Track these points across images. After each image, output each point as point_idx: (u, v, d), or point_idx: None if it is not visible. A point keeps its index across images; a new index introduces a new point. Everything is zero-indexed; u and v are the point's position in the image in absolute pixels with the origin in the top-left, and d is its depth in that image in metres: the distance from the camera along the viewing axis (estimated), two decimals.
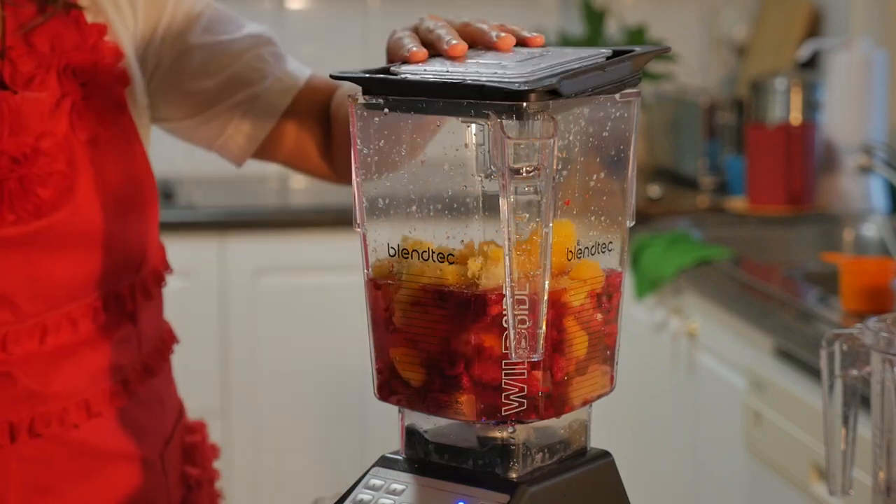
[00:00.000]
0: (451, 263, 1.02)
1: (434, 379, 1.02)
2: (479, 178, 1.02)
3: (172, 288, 1.46)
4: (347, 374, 3.29)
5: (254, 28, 1.43)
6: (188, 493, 1.45)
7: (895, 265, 2.26)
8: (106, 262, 1.31)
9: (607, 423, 2.27)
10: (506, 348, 0.99)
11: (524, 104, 0.95)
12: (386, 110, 1.03)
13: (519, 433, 1.03)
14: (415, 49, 1.08)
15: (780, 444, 2.28)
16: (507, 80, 0.97)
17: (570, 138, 1.02)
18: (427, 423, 1.07)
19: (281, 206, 3.50)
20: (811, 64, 3.54)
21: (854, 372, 1.21)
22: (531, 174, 0.95)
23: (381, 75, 1.05)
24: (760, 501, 2.41)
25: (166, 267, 1.42)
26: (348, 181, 1.46)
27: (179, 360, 1.48)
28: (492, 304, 0.99)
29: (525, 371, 1.00)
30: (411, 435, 1.08)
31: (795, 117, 3.27)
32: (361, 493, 1.06)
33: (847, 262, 2.30)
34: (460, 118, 1.01)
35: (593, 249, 1.05)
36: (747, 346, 2.47)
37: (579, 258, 1.04)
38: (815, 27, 3.63)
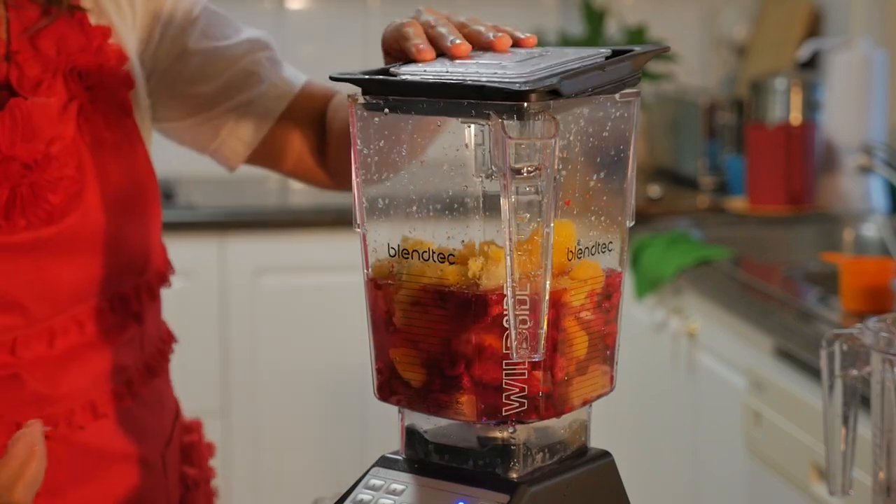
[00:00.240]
0: (451, 264, 1.01)
1: (434, 379, 1.02)
2: (480, 179, 1.02)
3: (172, 288, 1.46)
4: (347, 374, 3.29)
5: (251, 33, 1.43)
6: (186, 493, 1.46)
7: (895, 265, 2.26)
8: (112, 264, 1.31)
9: (607, 423, 2.27)
10: (507, 348, 0.99)
11: (525, 104, 0.95)
12: (386, 111, 1.03)
13: (519, 433, 1.03)
14: (423, 47, 1.08)
15: (780, 444, 2.28)
16: (507, 80, 0.97)
17: (570, 138, 1.02)
18: (427, 423, 1.07)
19: (281, 206, 3.50)
20: (811, 64, 3.54)
21: (854, 372, 1.21)
22: (532, 174, 0.95)
23: (381, 76, 1.05)
24: (760, 501, 2.41)
25: (169, 267, 1.42)
26: (343, 188, 1.47)
27: (179, 360, 1.48)
28: (492, 304, 0.99)
29: (525, 371, 1.00)
30: (411, 435, 1.08)
31: (795, 117, 3.27)
32: (361, 493, 1.06)
33: (847, 262, 2.30)
34: (461, 119, 1.01)
35: (593, 249, 1.05)
36: (747, 346, 2.47)
37: (579, 258, 1.04)
38: (815, 27, 3.63)
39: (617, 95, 1.04)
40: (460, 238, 1.03)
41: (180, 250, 1.51)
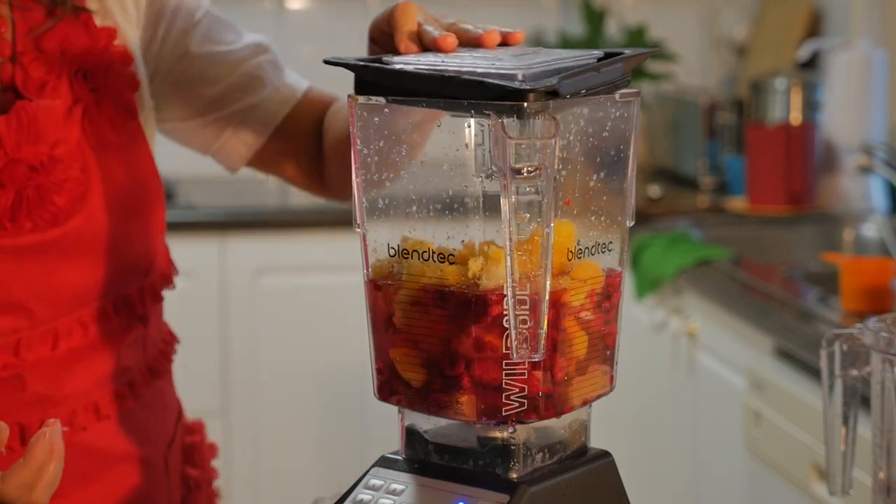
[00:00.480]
0: (451, 264, 1.01)
1: (434, 379, 1.02)
2: (480, 179, 1.02)
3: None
4: (347, 374, 3.29)
5: (253, 37, 1.44)
6: (188, 494, 1.45)
7: (895, 265, 2.26)
8: (117, 266, 1.31)
9: (607, 423, 2.27)
10: (507, 348, 0.99)
11: (525, 104, 0.95)
12: (386, 110, 1.03)
13: (519, 433, 1.03)
14: (410, 42, 1.09)
15: (780, 444, 2.28)
16: (504, 71, 0.97)
17: (570, 138, 1.02)
18: (427, 423, 1.07)
19: (281, 206, 3.50)
20: (811, 64, 3.54)
21: (854, 372, 1.21)
22: (532, 174, 0.95)
23: (376, 64, 1.05)
24: (760, 501, 2.41)
25: (173, 269, 1.42)
26: (339, 197, 1.47)
27: (179, 360, 1.48)
28: (492, 304, 0.99)
29: (525, 371, 1.00)
30: (411, 435, 1.08)
31: (795, 117, 3.27)
32: (361, 493, 1.06)
33: (847, 262, 2.30)
34: (460, 114, 1.00)
35: (593, 249, 1.05)
36: (747, 346, 2.47)
37: (579, 258, 1.04)
38: (815, 27, 3.63)
39: (617, 95, 1.04)
40: (460, 238, 1.03)
41: (180, 250, 1.51)
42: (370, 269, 1.06)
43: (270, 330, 3.28)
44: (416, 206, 1.05)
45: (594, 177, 1.04)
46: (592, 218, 1.05)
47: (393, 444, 1.10)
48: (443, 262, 1.02)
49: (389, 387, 1.06)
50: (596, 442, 1.10)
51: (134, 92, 1.35)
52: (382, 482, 1.06)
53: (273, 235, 3.29)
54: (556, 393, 1.02)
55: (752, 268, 2.67)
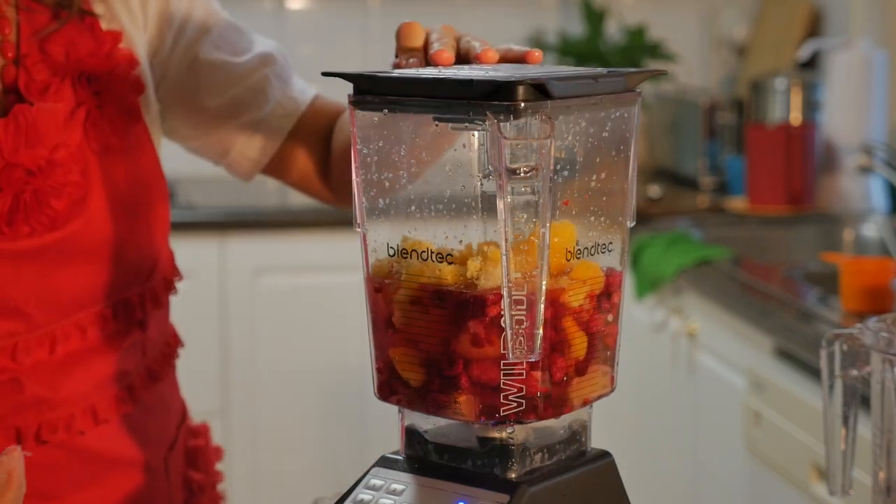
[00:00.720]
0: (450, 264, 1.02)
1: (433, 379, 1.02)
2: (479, 179, 1.02)
3: None
4: (347, 374, 3.29)
5: (263, 47, 1.43)
6: (190, 497, 1.45)
7: (895, 265, 2.26)
8: (117, 271, 1.31)
9: (607, 423, 2.27)
10: (503, 348, 0.99)
11: (521, 104, 0.95)
12: (385, 111, 1.03)
13: (518, 433, 1.03)
14: (435, 50, 1.10)
15: (780, 444, 2.28)
16: (498, 77, 0.98)
17: (570, 138, 1.02)
18: (427, 423, 1.07)
19: (281, 206, 3.50)
20: (811, 64, 3.54)
21: (854, 372, 1.21)
22: (528, 175, 0.95)
23: (370, 73, 1.05)
24: (760, 501, 2.41)
25: (176, 273, 1.42)
26: (347, 204, 1.47)
27: (179, 361, 1.48)
28: (490, 304, 0.99)
29: (524, 371, 1.00)
30: (411, 435, 1.08)
31: (795, 117, 3.27)
32: (361, 493, 1.06)
33: (847, 262, 2.30)
34: (459, 125, 1.01)
35: (593, 250, 1.05)
36: (747, 346, 2.47)
37: (579, 258, 1.04)
38: (815, 27, 3.63)
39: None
40: (459, 238, 1.03)
41: (180, 250, 1.51)
42: (370, 269, 1.06)
43: (270, 330, 3.28)
44: (416, 206, 1.05)
45: (594, 177, 1.05)
46: (592, 218, 1.05)
47: (393, 444, 1.10)
48: (442, 263, 1.02)
49: (389, 386, 1.06)
50: (596, 442, 1.10)
51: (138, 95, 1.34)
52: (383, 482, 1.06)
53: (273, 235, 3.29)
54: (556, 393, 1.02)
55: (752, 268, 2.67)
